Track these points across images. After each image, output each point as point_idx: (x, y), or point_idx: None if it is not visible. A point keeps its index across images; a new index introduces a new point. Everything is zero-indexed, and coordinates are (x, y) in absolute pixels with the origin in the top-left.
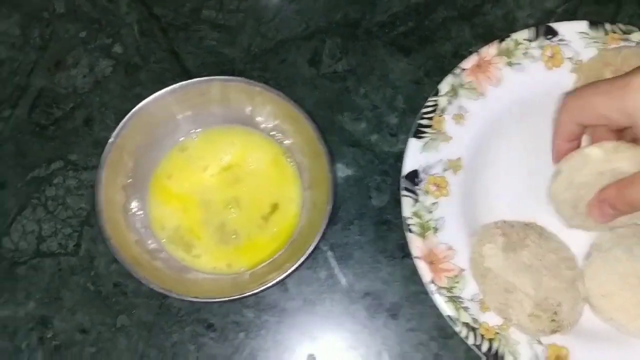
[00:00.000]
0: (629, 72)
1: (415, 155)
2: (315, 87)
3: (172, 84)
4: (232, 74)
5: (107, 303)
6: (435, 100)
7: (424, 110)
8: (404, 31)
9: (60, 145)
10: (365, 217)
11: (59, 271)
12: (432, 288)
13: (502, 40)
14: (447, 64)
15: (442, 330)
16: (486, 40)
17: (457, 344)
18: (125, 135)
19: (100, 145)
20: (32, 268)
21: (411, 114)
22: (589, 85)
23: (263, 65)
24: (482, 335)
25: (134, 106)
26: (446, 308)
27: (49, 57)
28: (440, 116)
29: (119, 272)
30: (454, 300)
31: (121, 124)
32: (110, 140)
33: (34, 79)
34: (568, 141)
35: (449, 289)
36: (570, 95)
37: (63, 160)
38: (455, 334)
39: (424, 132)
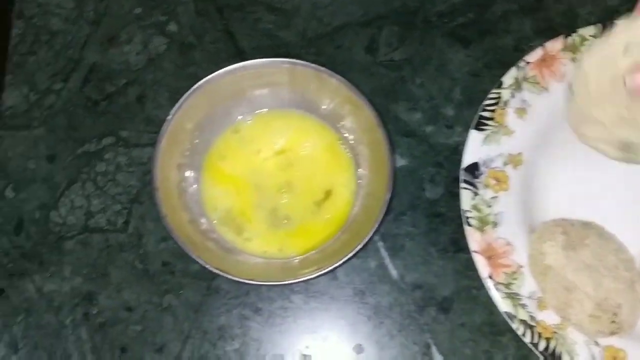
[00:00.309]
0: None
1: (476, 148)
2: (371, 74)
3: (226, 65)
4: (287, 57)
5: (154, 282)
6: (498, 93)
7: (486, 102)
8: (464, 22)
9: (112, 121)
10: (418, 209)
11: (106, 247)
12: (489, 284)
13: (567, 35)
14: (506, 58)
15: (494, 326)
16: (546, 35)
17: (508, 341)
18: (183, 113)
19: (152, 123)
20: (80, 243)
21: (468, 106)
22: None
23: (318, 50)
24: (540, 334)
25: (188, 85)
26: (503, 304)
27: (102, 32)
28: (502, 109)
29: (167, 251)
30: (512, 297)
31: (180, 101)
32: (168, 117)
33: (87, 53)
34: None
35: (507, 285)
36: None
37: (114, 136)
38: (507, 331)
39: (486, 125)
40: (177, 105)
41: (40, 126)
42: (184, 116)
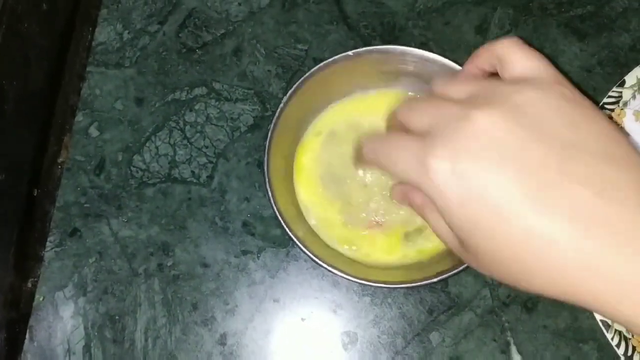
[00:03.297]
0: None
1: None
2: None
3: (329, 28)
4: (393, 28)
5: (232, 241)
6: (619, 92)
7: (607, 100)
8: (581, 14)
9: (206, 71)
10: None
11: (187, 200)
12: None
13: None
14: (622, 57)
15: (577, 333)
16: None
17: (590, 350)
18: (302, 92)
19: (246, 78)
20: (161, 192)
21: None
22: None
23: (426, 24)
24: (634, 347)
25: (286, 44)
26: None
27: None
28: (621, 109)
29: (249, 212)
30: None
31: (302, 79)
32: (289, 93)
33: None
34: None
35: None
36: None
37: (206, 87)
38: (590, 340)
39: None
40: (299, 81)
41: (131, 67)
42: (303, 95)
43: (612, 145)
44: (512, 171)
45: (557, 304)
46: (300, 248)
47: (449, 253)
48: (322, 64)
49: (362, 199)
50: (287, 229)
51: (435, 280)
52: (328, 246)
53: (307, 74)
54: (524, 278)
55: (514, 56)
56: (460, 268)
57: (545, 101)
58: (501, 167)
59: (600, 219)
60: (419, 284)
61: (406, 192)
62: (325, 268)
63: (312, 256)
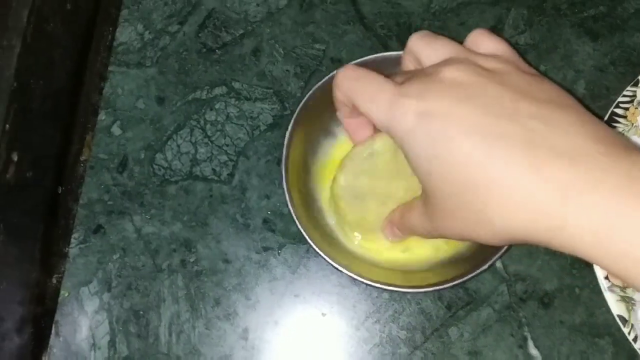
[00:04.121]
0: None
1: None
2: None
3: (346, 28)
4: (409, 28)
5: (253, 237)
6: (633, 91)
7: (621, 99)
8: (594, 14)
9: (225, 71)
10: None
11: (209, 197)
12: (605, 284)
13: None
14: (635, 57)
15: (593, 328)
16: None
17: (606, 345)
18: (319, 95)
19: (265, 78)
20: (183, 189)
21: (591, 101)
22: (368, 75)
23: (442, 24)
24: None
25: (304, 44)
26: (617, 307)
27: None
28: (636, 108)
29: (269, 209)
30: (627, 300)
31: (322, 81)
32: (309, 94)
33: None
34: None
35: (623, 289)
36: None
37: (226, 86)
38: (606, 335)
39: (618, 122)
40: (319, 84)
41: (152, 66)
42: (320, 98)
43: (561, 97)
44: (472, 106)
45: (573, 299)
46: (316, 250)
47: (466, 250)
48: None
49: (380, 216)
50: (303, 232)
51: (454, 283)
52: (346, 246)
53: (328, 76)
54: (483, 218)
55: (482, 38)
56: (480, 270)
57: (506, 65)
58: (462, 103)
59: (553, 148)
60: (434, 288)
61: (388, 224)
62: (343, 272)
63: (328, 259)
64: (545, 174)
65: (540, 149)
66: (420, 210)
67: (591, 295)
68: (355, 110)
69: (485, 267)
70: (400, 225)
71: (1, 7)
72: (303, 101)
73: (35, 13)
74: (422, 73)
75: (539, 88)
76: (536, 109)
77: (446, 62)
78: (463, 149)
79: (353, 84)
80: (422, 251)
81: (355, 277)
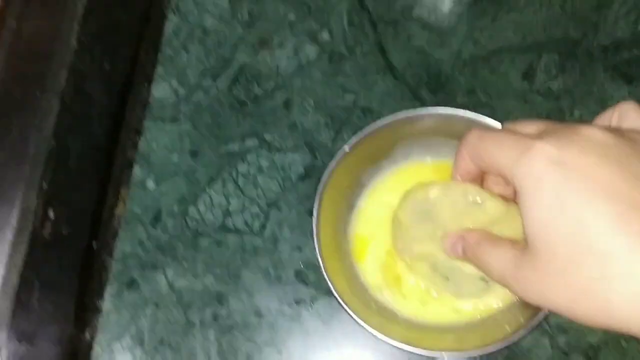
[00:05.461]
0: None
1: None
2: (526, 102)
3: (375, 78)
4: (439, 77)
5: (286, 290)
6: None
7: None
8: (628, 58)
9: (257, 123)
10: None
11: (241, 249)
12: None
13: None
14: None
15: None
16: None
17: None
18: (357, 150)
19: (296, 129)
20: (215, 242)
21: None
22: (500, 130)
23: (472, 72)
24: None
25: (334, 95)
26: None
27: (254, 34)
28: None
29: (301, 261)
30: None
31: (358, 135)
32: (345, 149)
33: (238, 53)
34: (467, 179)
35: None
36: (474, 130)
37: (258, 138)
38: None
39: None
40: (354, 138)
41: (187, 121)
42: (356, 154)
43: None
44: (616, 170)
45: (619, 352)
46: (345, 309)
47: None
48: (383, 121)
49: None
50: (332, 288)
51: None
52: (378, 300)
53: (366, 130)
54: (595, 289)
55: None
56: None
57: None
58: (604, 164)
59: None
60: (476, 353)
61: (457, 238)
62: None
63: (355, 316)
64: None
65: None
66: (512, 254)
67: (639, 347)
68: (474, 172)
69: (535, 324)
70: (470, 250)
71: (40, 69)
72: (338, 153)
73: (73, 74)
74: (563, 126)
75: None
76: None
77: (590, 124)
78: (599, 211)
79: (485, 134)
80: (470, 312)
81: (390, 342)
